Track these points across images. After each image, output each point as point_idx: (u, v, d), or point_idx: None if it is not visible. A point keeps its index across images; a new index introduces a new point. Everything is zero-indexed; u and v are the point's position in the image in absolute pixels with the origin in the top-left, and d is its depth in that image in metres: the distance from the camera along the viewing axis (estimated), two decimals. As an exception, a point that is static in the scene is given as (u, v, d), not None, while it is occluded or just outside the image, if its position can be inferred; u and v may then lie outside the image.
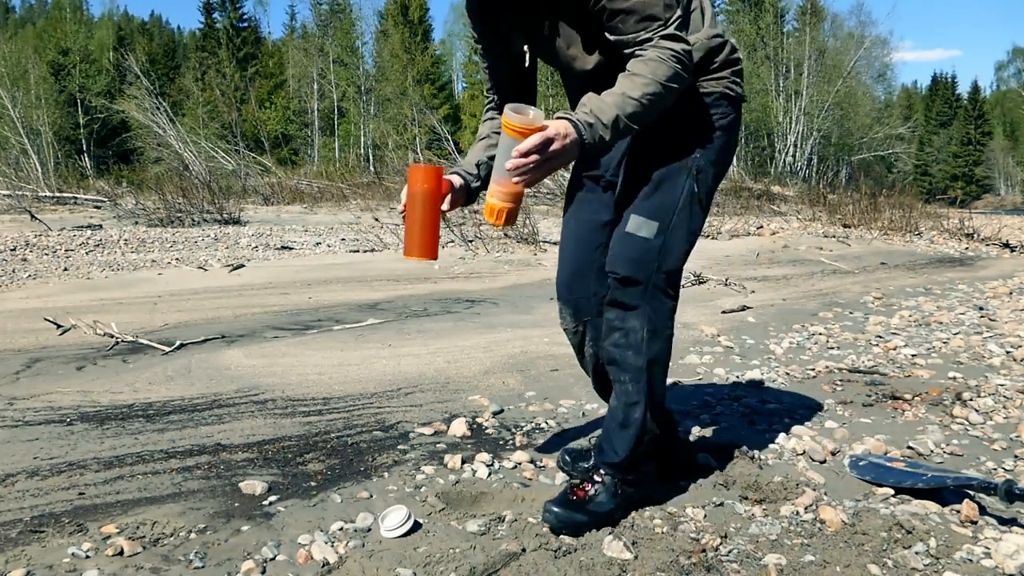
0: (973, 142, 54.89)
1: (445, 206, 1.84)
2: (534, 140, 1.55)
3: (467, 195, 1.96)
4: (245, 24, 43.51)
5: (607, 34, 1.69)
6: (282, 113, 38.51)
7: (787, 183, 26.01)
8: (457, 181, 1.92)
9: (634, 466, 1.87)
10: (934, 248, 10.35)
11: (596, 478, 1.85)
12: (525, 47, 1.91)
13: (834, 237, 10.63)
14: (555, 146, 1.57)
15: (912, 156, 47.59)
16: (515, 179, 1.60)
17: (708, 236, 10.52)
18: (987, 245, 10.90)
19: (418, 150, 26.51)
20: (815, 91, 33.24)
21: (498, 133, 1.86)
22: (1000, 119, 61.35)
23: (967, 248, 10.49)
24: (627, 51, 1.67)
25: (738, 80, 1.90)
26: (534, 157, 1.56)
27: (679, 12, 1.67)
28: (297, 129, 38.81)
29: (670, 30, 1.63)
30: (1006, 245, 10.84)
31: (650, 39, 1.63)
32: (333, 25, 40.44)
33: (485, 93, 2.13)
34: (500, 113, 1.88)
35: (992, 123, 58.47)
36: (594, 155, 1.71)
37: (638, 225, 1.80)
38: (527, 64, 1.94)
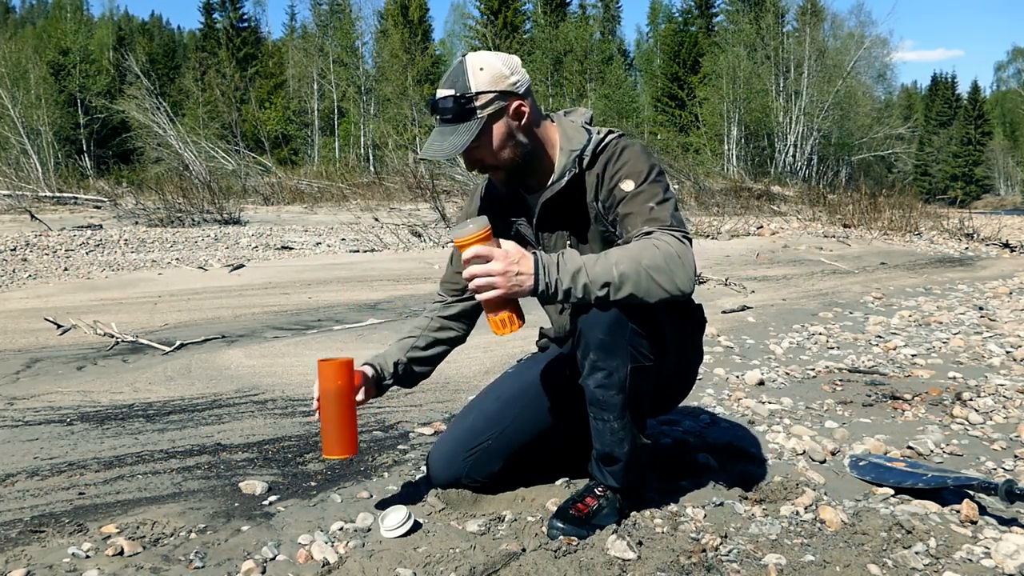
0: (973, 142, 54.87)
1: (360, 397, 1.83)
2: (475, 250, 1.55)
3: (378, 389, 1.95)
4: (245, 24, 43.51)
5: (619, 238, 1.71)
6: (282, 113, 38.50)
7: (787, 183, 26.02)
8: (369, 372, 1.91)
9: (635, 485, 1.86)
10: (934, 248, 10.35)
11: (598, 492, 1.83)
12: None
13: (834, 237, 10.63)
14: (497, 265, 1.52)
15: (912, 156, 47.55)
16: (477, 297, 1.59)
17: (708, 236, 10.52)
18: (987, 245, 10.90)
19: (418, 150, 26.50)
20: (815, 91, 33.20)
21: (422, 333, 1.98)
22: (1000, 119, 61.34)
23: (967, 248, 10.49)
24: (630, 236, 1.67)
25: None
26: (472, 269, 1.55)
27: (685, 228, 1.68)
28: (297, 129, 38.80)
29: (674, 231, 1.63)
30: (1006, 245, 10.84)
31: (652, 231, 1.63)
32: (333, 25, 40.43)
33: (441, 287, 2.07)
34: (449, 306, 2.00)
35: (992, 123, 58.45)
36: (552, 299, 1.58)
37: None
38: None
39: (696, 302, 1.99)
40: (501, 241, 1.58)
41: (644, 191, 1.69)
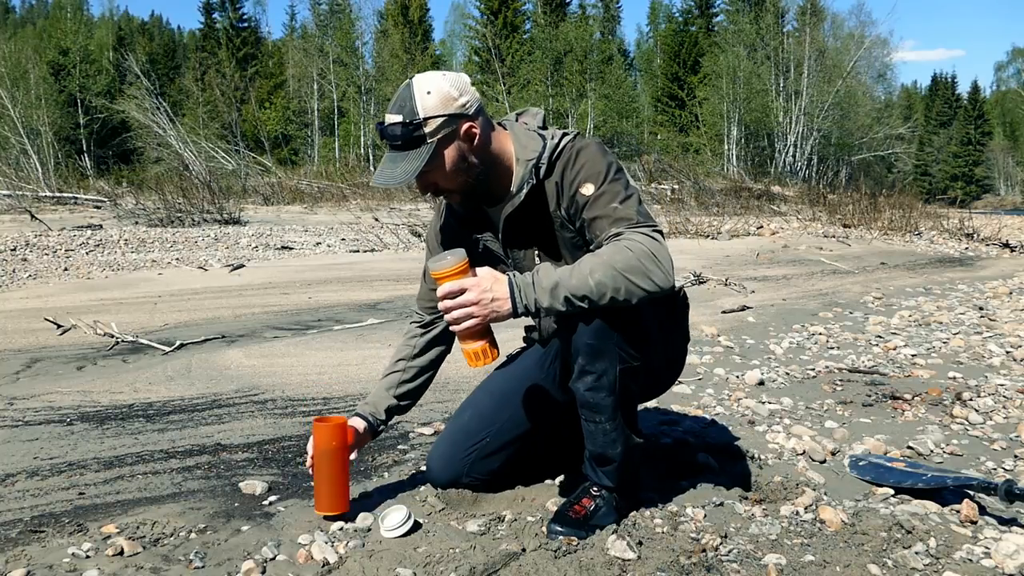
0: (973, 142, 54.86)
1: (353, 456, 1.88)
2: (448, 287, 1.58)
3: (373, 435, 2.00)
4: (245, 24, 43.51)
5: (589, 243, 1.70)
6: (282, 113, 38.46)
7: (787, 183, 26.00)
8: (361, 426, 1.95)
9: (630, 483, 1.86)
10: (934, 248, 10.35)
11: (594, 492, 1.83)
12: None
13: (834, 237, 10.64)
14: (471, 296, 1.55)
15: (912, 156, 47.52)
16: (451, 328, 1.61)
17: (708, 236, 10.52)
18: (987, 245, 10.90)
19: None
20: (815, 91, 33.18)
21: (407, 366, 1.99)
22: (1000, 119, 61.32)
23: (967, 248, 10.49)
24: (605, 239, 1.65)
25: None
26: (447, 304, 1.57)
27: (653, 221, 1.65)
28: (297, 129, 38.77)
29: (643, 228, 1.61)
30: (1006, 245, 10.84)
31: (620, 232, 1.62)
32: (333, 25, 40.42)
33: (417, 304, 2.04)
34: (427, 326, 1.98)
35: (992, 123, 58.44)
36: (534, 318, 1.62)
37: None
38: None
39: (676, 285, 1.98)
40: (476, 268, 1.60)
41: (605, 192, 1.66)
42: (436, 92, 1.65)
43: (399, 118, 1.65)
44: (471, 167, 1.71)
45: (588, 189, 1.67)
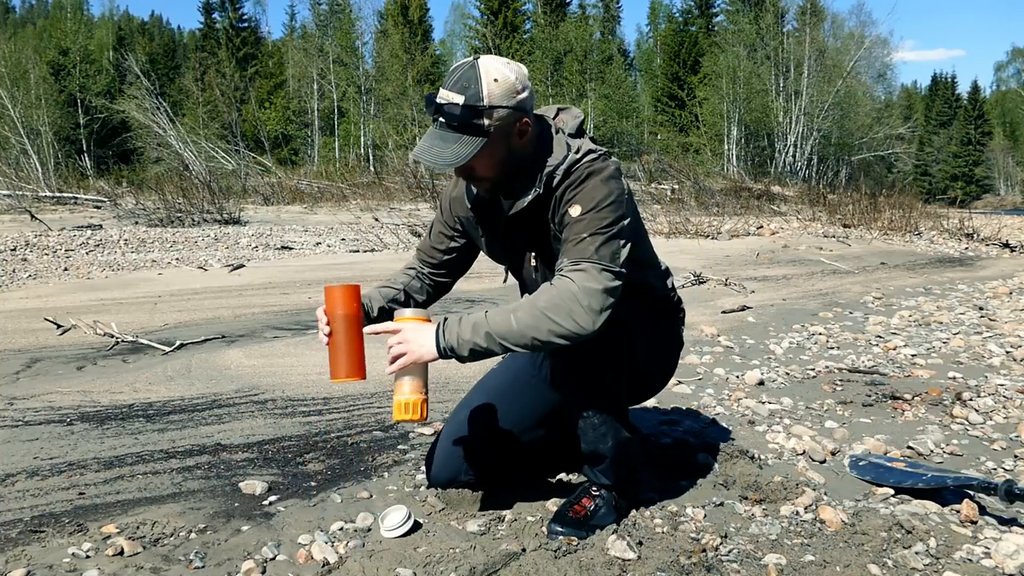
0: (973, 142, 54.84)
1: (367, 329, 1.82)
2: (381, 326, 1.70)
3: (367, 318, 1.97)
4: (245, 24, 43.51)
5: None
6: (282, 113, 38.47)
7: (787, 183, 25.99)
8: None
9: (627, 481, 1.87)
10: (934, 248, 10.35)
11: (594, 492, 1.84)
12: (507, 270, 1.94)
13: (834, 237, 10.64)
14: (396, 338, 1.64)
15: (912, 156, 47.51)
16: (388, 369, 1.67)
17: (708, 236, 10.52)
18: (987, 245, 10.90)
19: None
20: (815, 91, 33.17)
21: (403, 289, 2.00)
22: (1000, 119, 61.32)
23: (967, 248, 10.49)
24: (557, 270, 1.64)
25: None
26: (389, 341, 1.65)
27: (617, 270, 1.61)
28: (297, 129, 38.78)
29: (593, 267, 1.59)
30: (1006, 245, 10.84)
31: (564, 268, 1.61)
32: (333, 25, 40.43)
33: (417, 255, 2.05)
34: (423, 275, 2.01)
35: (992, 123, 58.43)
36: (460, 358, 1.63)
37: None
38: (505, 280, 1.98)
39: (668, 291, 1.96)
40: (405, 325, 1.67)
41: (586, 219, 1.63)
42: (503, 82, 1.62)
43: (460, 99, 1.61)
44: (514, 160, 1.70)
45: (575, 211, 1.65)
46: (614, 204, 1.65)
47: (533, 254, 1.82)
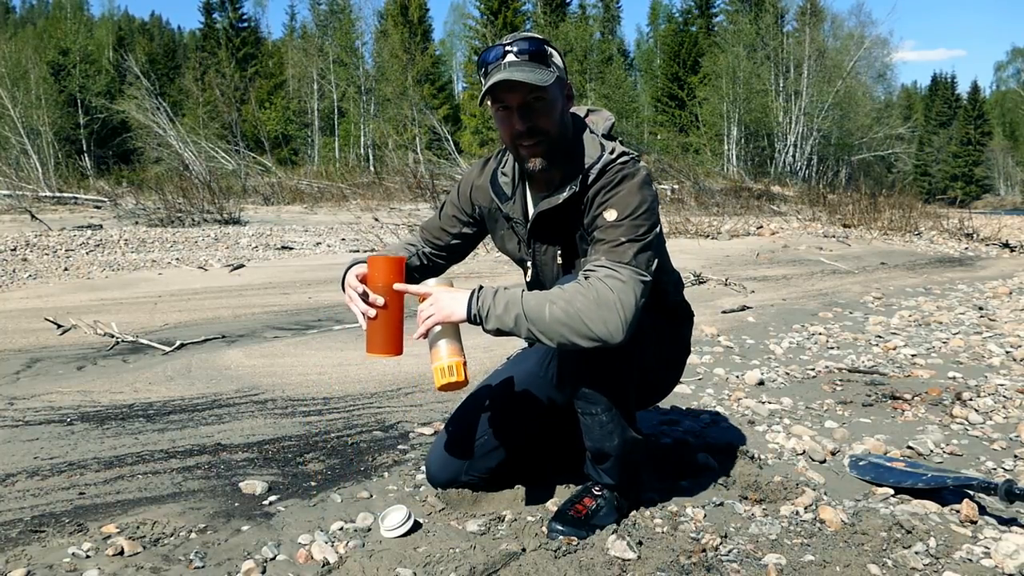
0: (973, 142, 54.83)
1: (398, 286, 1.77)
2: (413, 287, 1.71)
3: None
4: (245, 24, 43.50)
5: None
6: (282, 113, 38.48)
7: (787, 183, 26.00)
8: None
9: (630, 481, 1.87)
10: (934, 248, 10.35)
11: (595, 491, 1.84)
12: (528, 262, 1.93)
13: (834, 237, 10.64)
14: (428, 301, 1.67)
15: (912, 156, 47.53)
16: (419, 332, 1.66)
17: (708, 236, 10.52)
18: (987, 245, 10.90)
19: (418, 150, 26.48)
20: (815, 91, 33.17)
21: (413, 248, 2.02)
22: (1000, 119, 61.32)
23: (967, 248, 10.49)
24: (589, 270, 1.65)
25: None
26: (420, 308, 1.68)
27: (648, 278, 1.64)
28: (297, 129, 38.78)
29: (627, 272, 1.61)
30: (1006, 245, 10.84)
31: (603, 268, 1.62)
32: (333, 25, 40.44)
33: (421, 232, 2.07)
34: (423, 255, 2.01)
35: (992, 123, 58.43)
36: (485, 329, 1.63)
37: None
38: (528, 278, 1.97)
39: (679, 297, 2.00)
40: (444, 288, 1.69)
41: (623, 225, 1.66)
42: (556, 53, 1.75)
43: (526, 44, 1.69)
44: (563, 127, 1.75)
45: (611, 215, 1.68)
46: (648, 212, 1.69)
47: (559, 251, 1.83)
